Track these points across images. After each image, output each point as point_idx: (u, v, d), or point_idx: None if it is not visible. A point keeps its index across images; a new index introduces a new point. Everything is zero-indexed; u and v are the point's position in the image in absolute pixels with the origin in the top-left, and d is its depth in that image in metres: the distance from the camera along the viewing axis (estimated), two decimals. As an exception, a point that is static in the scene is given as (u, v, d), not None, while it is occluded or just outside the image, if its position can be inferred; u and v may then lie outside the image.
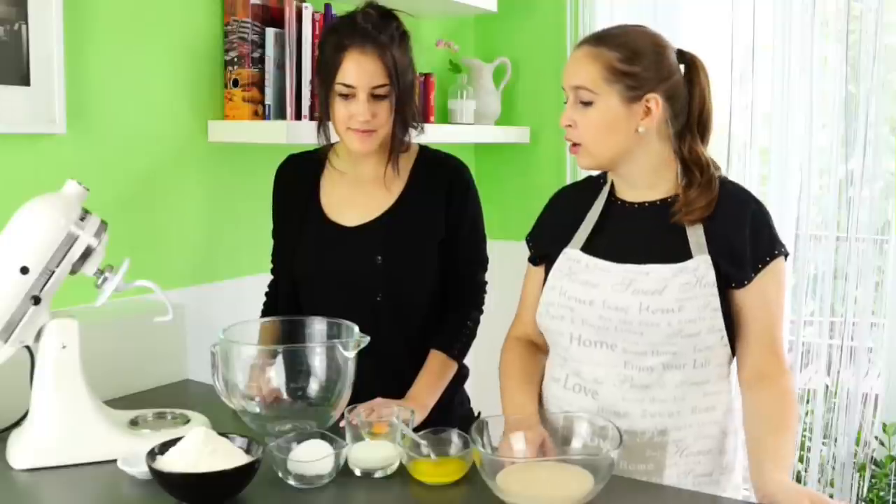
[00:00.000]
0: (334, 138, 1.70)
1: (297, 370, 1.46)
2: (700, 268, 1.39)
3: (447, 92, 2.75)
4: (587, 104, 1.42)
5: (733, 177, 1.57)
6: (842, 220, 2.39)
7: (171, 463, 1.25)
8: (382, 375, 1.61)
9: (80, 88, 1.78)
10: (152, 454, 1.27)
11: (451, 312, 1.74)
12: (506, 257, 2.03)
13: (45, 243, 1.35)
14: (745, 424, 1.43)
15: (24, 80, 1.67)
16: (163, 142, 1.96)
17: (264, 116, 2.04)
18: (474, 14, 2.81)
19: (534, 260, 1.63)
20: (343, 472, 1.34)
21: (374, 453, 1.36)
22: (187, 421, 1.52)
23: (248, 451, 1.30)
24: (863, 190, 2.36)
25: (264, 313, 1.79)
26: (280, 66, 2.04)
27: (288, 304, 1.75)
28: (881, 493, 2.43)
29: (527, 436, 1.33)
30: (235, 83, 2.02)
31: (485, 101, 2.80)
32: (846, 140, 2.38)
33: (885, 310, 2.41)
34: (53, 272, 1.36)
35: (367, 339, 1.47)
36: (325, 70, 1.62)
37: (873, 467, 2.44)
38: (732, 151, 2.52)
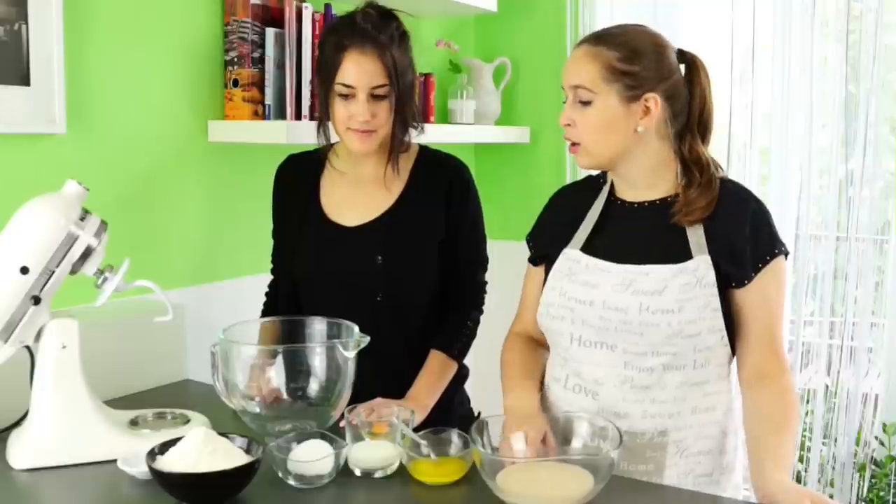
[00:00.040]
0: (334, 138, 1.70)
1: (297, 370, 1.46)
2: (700, 268, 1.39)
3: (447, 92, 2.75)
4: (586, 103, 1.42)
5: (733, 177, 1.57)
6: (842, 220, 2.39)
7: (171, 463, 1.25)
8: (382, 375, 1.61)
9: (80, 88, 1.78)
10: (152, 454, 1.27)
11: (452, 312, 1.74)
12: (506, 257, 2.03)
13: (45, 243, 1.35)
14: (745, 424, 1.43)
15: (24, 80, 1.67)
16: (163, 142, 1.96)
17: (264, 116, 2.04)
18: (474, 14, 2.81)
19: (534, 260, 1.63)
20: (343, 472, 1.34)
21: (374, 453, 1.36)
22: (187, 421, 1.52)
23: (248, 451, 1.30)
24: (863, 190, 2.36)
25: (264, 313, 1.79)
26: (280, 66, 2.04)
27: (288, 304, 1.75)
28: (881, 493, 2.43)
29: (528, 433, 1.33)
30: (235, 83, 2.02)
31: (485, 101, 2.80)
32: (846, 140, 2.38)
33: (885, 310, 2.41)
34: (53, 272, 1.36)
35: (367, 339, 1.47)
36: (325, 70, 1.62)
37: (873, 467, 2.44)
38: (732, 151, 2.52)
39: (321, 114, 1.68)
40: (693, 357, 1.41)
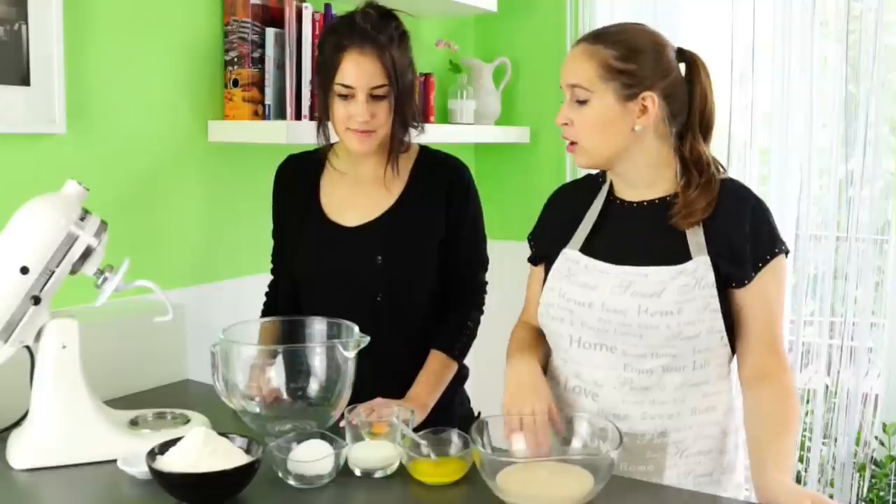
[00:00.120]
0: (334, 138, 1.70)
1: (297, 370, 1.46)
2: (699, 269, 1.39)
3: (447, 92, 2.75)
4: (583, 102, 1.42)
5: (733, 177, 1.56)
6: (842, 220, 2.39)
7: (171, 463, 1.25)
8: (382, 375, 1.61)
9: (80, 88, 1.78)
10: (152, 454, 1.27)
11: (452, 312, 1.74)
12: (506, 257, 2.03)
13: (45, 243, 1.35)
14: (746, 424, 1.42)
15: (24, 80, 1.67)
16: (163, 142, 1.96)
17: (264, 116, 2.04)
18: (474, 14, 2.81)
19: (533, 260, 1.62)
20: (343, 472, 1.34)
21: (374, 453, 1.35)
22: (187, 421, 1.52)
23: (248, 451, 1.30)
24: (863, 190, 2.36)
25: (264, 313, 1.79)
26: (280, 66, 2.04)
27: (288, 304, 1.75)
28: (881, 493, 2.43)
29: (534, 406, 1.35)
30: (235, 83, 2.02)
31: (485, 101, 2.80)
32: (846, 140, 2.38)
33: (885, 310, 2.41)
34: (53, 272, 1.36)
35: (367, 339, 1.47)
36: (325, 70, 1.62)
37: (873, 467, 2.44)
38: (732, 151, 2.52)
39: (321, 114, 1.68)
40: (692, 358, 1.41)
